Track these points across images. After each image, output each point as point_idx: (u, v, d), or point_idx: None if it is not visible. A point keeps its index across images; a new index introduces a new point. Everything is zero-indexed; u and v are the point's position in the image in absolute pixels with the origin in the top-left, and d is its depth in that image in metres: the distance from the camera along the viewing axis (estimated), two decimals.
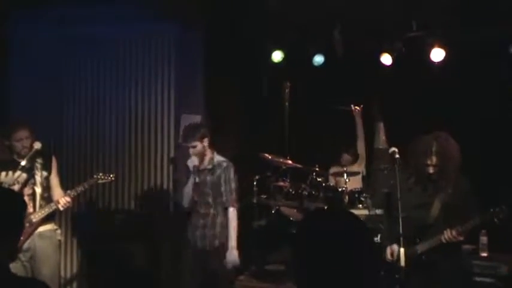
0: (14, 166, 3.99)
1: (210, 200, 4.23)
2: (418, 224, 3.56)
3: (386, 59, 6.08)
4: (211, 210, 4.23)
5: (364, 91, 6.31)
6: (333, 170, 5.98)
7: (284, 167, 5.66)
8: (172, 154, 5.46)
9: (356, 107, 6.16)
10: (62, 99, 5.64)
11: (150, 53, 5.50)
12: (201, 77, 5.60)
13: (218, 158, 4.32)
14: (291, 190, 5.61)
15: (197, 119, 5.41)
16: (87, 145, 5.60)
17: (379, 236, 4.72)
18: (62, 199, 4.01)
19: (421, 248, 3.55)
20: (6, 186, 3.91)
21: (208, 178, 4.25)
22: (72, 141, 5.63)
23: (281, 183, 5.69)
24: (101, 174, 4.20)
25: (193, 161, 4.21)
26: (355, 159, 6.02)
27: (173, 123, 5.45)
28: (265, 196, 5.68)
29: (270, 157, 5.55)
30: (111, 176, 4.16)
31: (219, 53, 5.74)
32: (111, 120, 5.57)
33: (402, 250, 3.33)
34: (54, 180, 4.15)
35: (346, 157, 6.00)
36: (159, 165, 5.48)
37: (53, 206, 4.03)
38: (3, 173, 4.03)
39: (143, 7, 5.25)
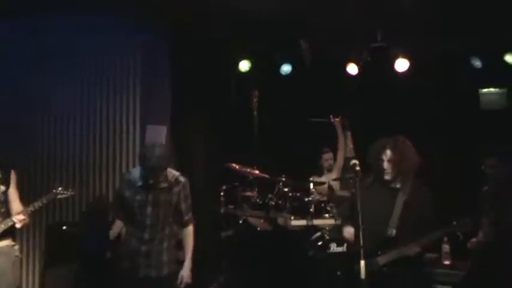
0: None
1: (160, 223, 3.74)
2: (378, 233, 3.59)
3: (352, 69, 6.15)
4: (158, 235, 3.72)
5: (332, 100, 6.36)
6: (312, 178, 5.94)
7: (251, 177, 5.65)
8: (137, 164, 5.40)
9: (336, 118, 6.16)
10: (24, 110, 5.53)
11: (117, 63, 5.45)
12: (168, 88, 5.57)
13: (173, 172, 3.83)
14: (258, 200, 5.60)
15: (163, 130, 5.37)
16: (50, 156, 5.50)
17: (345, 245, 4.76)
18: (16, 217, 3.90)
19: (382, 260, 3.58)
20: None
21: (163, 197, 3.74)
22: (35, 153, 5.52)
23: (248, 193, 5.69)
24: (60, 188, 4.07)
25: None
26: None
27: (139, 134, 5.40)
28: (232, 206, 5.66)
29: (237, 167, 5.53)
30: (71, 191, 4.04)
31: (186, 63, 5.72)
32: (75, 130, 5.49)
33: (363, 263, 3.35)
34: (13, 194, 4.01)
35: (327, 156, 6.02)
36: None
37: (9, 222, 3.89)
38: None
39: (110, 19, 5.19)
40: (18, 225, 3.91)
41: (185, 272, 3.81)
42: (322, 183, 5.77)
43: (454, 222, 3.48)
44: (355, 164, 3.62)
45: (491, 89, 6.10)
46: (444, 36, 5.67)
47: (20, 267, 4.29)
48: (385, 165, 3.60)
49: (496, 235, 4.34)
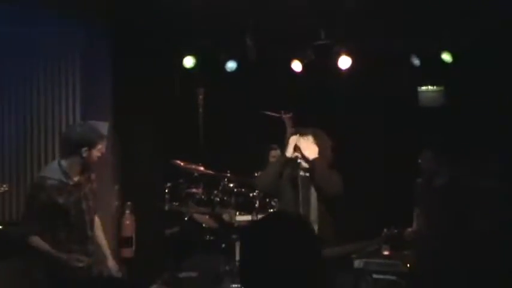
0: None
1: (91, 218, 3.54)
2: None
3: (296, 66, 6.23)
4: (90, 233, 3.53)
5: (277, 97, 6.41)
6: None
7: (196, 174, 5.61)
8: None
9: (286, 114, 6.17)
10: None
11: (54, 56, 5.26)
12: (109, 83, 5.44)
13: None
14: (203, 197, 5.58)
15: (104, 125, 5.24)
16: None
17: None
18: None
19: (326, 252, 3.63)
20: None
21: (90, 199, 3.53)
22: None
23: (193, 190, 5.64)
24: None
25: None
26: None
27: None
28: (177, 203, 5.60)
29: (182, 164, 5.48)
30: (4, 186, 3.86)
31: (128, 58, 5.61)
32: (10, 126, 5.26)
33: None
34: None
35: (274, 152, 6.05)
36: None
37: None
38: None
39: (48, 8, 5.01)
40: None
41: (114, 267, 3.66)
42: None
43: (384, 231, 3.61)
44: (297, 157, 3.69)
45: (429, 87, 6.33)
46: (386, 34, 5.84)
47: None
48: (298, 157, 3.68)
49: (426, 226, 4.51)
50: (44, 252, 3.33)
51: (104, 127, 5.28)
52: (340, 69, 6.07)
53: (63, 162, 3.44)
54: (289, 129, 6.21)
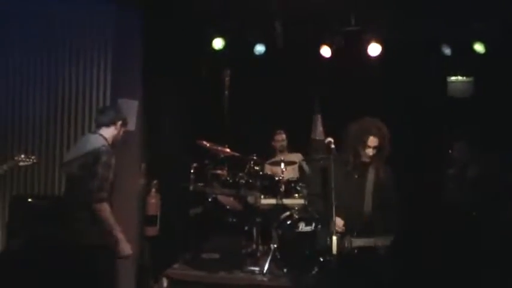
0: None
1: None
2: (354, 213, 3.65)
3: (325, 52, 6.19)
4: None
5: (303, 82, 6.39)
6: (270, 159, 6.02)
7: (222, 155, 5.64)
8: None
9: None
10: None
11: (86, 33, 5.28)
12: (139, 62, 5.45)
13: None
14: (228, 178, 5.61)
15: (134, 103, 5.27)
16: (15, 127, 5.32)
17: (313, 224, 4.83)
18: None
19: (356, 242, 3.64)
20: None
21: None
22: (7, 127, 5.33)
23: (218, 172, 5.68)
24: (22, 156, 3.87)
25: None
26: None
27: None
28: (202, 184, 5.64)
29: (208, 145, 5.50)
30: (33, 158, 3.84)
31: (158, 37, 5.61)
32: (43, 101, 5.32)
33: (335, 238, 3.41)
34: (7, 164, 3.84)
35: (278, 139, 6.08)
36: None
37: None
38: None
39: None
40: None
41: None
42: (293, 162, 5.81)
43: None
44: (330, 142, 3.68)
45: (459, 77, 6.26)
46: (417, 22, 5.77)
47: None
48: (369, 150, 3.65)
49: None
50: (107, 222, 3.46)
51: (133, 105, 5.32)
52: (369, 56, 6.02)
53: (104, 134, 3.67)
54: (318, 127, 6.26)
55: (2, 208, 5.22)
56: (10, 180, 5.14)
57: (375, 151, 3.68)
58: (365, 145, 3.67)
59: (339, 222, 3.67)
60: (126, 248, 3.56)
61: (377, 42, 5.99)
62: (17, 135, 5.29)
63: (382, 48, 5.99)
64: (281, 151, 6.10)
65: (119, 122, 3.83)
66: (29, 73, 5.33)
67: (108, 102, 5.25)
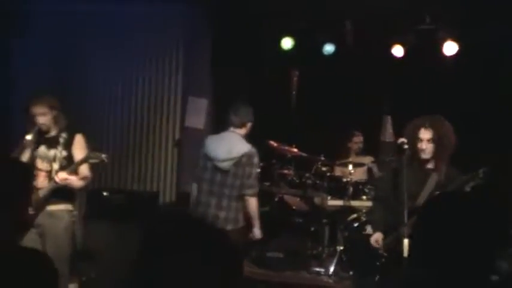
0: (45, 141, 3.98)
1: None
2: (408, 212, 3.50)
3: (398, 51, 6.02)
4: None
5: (373, 82, 6.25)
6: (339, 160, 5.93)
7: (289, 155, 5.62)
8: (177, 136, 5.43)
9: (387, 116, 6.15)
10: (66, 75, 5.58)
11: (159, 34, 5.45)
12: (209, 61, 5.55)
13: None
14: (295, 179, 5.58)
15: (203, 102, 5.37)
16: (91, 124, 5.55)
17: (370, 226, 4.71)
18: (58, 174, 3.90)
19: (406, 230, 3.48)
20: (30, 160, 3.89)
21: None
22: (77, 119, 5.57)
23: (285, 171, 5.66)
24: (92, 153, 3.98)
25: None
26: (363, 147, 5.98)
27: (180, 105, 5.41)
28: (268, 183, 5.64)
29: (275, 145, 5.50)
30: (103, 156, 3.95)
31: (227, 37, 5.68)
32: (117, 100, 5.54)
33: (406, 241, 3.29)
34: (78, 158, 4.00)
35: (356, 141, 5.95)
36: (163, 147, 5.45)
37: (53, 183, 3.88)
38: (28, 146, 3.99)
39: None
40: (58, 181, 3.87)
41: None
42: (362, 164, 5.70)
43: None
44: (403, 143, 3.55)
45: None
46: (495, 21, 5.49)
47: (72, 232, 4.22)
48: (423, 144, 3.50)
49: None
50: (255, 211, 4.15)
51: (202, 104, 5.42)
52: (444, 56, 5.79)
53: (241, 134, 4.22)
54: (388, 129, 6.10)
55: (81, 202, 5.47)
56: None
57: (430, 146, 3.48)
58: (417, 138, 3.50)
59: (378, 236, 3.57)
60: (258, 233, 4.23)
61: (453, 40, 5.75)
62: (98, 134, 5.53)
63: (459, 47, 5.74)
64: (357, 153, 5.98)
65: (249, 124, 4.28)
66: (104, 73, 5.56)
67: (179, 100, 5.39)
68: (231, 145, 4.15)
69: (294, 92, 6.65)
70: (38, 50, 5.51)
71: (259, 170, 4.27)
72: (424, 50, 5.89)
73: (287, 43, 6.26)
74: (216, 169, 4.14)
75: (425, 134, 3.50)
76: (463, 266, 1.44)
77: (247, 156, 4.13)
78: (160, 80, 5.46)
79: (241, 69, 6.14)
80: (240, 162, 4.10)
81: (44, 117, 3.93)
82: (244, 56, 6.09)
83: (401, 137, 3.62)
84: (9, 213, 1.87)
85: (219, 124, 5.77)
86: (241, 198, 4.13)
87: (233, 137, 4.20)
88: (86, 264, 4.89)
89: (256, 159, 4.18)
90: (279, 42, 6.31)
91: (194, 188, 4.31)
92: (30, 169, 2.20)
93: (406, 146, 3.49)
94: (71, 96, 5.48)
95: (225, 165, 4.11)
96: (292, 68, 6.61)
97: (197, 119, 5.38)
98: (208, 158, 4.18)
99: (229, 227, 4.06)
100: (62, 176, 3.82)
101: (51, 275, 1.85)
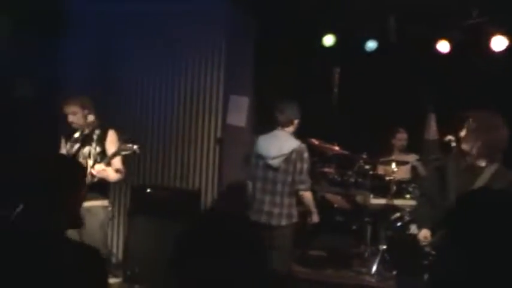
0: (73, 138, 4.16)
1: None
2: None
3: (443, 47, 5.87)
4: None
5: (417, 79, 6.13)
6: (382, 158, 5.84)
7: (331, 154, 5.58)
8: (219, 134, 5.47)
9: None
10: (110, 74, 5.70)
11: (201, 31, 5.48)
12: (251, 59, 5.56)
13: None
14: (336, 177, 5.54)
15: (245, 100, 5.39)
16: (134, 123, 5.65)
17: (413, 226, 4.61)
18: (95, 167, 3.98)
19: None
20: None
21: None
22: (121, 118, 5.69)
23: (326, 170, 5.63)
24: (123, 146, 4.05)
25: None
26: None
27: (221, 103, 5.44)
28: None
29: (317, 142, 5.47)
30: (135, 147, 4.01)
31: (269, 34, 5.68)
32: (161, 98, 5.61)
33: None
34: (111, 152, 4.11)
35: (399, 138, 5.83)
36: (205, 146, 5.50)
37: (89, 178, 3.94)
38: (66, 144, 4.16)
39: None
40: (96, 173, 3.97)
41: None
42: (405, 162, 5.59)
43: None
44: (450, 140, 3.45)
45: None
46: None
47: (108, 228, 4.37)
48: (466, 136, 3.32)
49: None
50: (310, 203, 4.40)
51: (244, 102, 5.44)
52: (492, 51, 5.61)
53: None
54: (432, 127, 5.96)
55: (124, 198, 5.60)
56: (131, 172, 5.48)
57: (472, 135, 3.28)
58: (462, 132, 3.33)
59: (426, 233, 3.46)
60: (316, 217, 4.46)
61: (502, 35, 5.55)
62: (138, 133, 5.62)
63: (508, 42, 5.55)
64: (400, 150, 5.87)
65: (296, 121, 4.39)
66: (146, 71, 5.63)
67: (221, 98, 5.42)
68: (281, 143, 4.29)
69: (335, 90, 6.59)
70: (82, 50, 5.65)
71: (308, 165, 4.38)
72: (471, 45, 5.72)
73: (328, 40, 6.21)
74: (268, 167, 4.28)
75: (468, 125, 3.32)
76: (497, 266, 1.36)
77: (297, 152, 4.27)
78: (202, 79, 5.50)
79: (283, 67, 6.12)
80: (290, 158, 4.24)
81: (74, 116, 4.08)
82: (286, 54, 6.07)
83: (447, 134, 3.51)
84: (67, 207, 1.92)
85: (260, 122, 5.79)
86: (294, 193, 4.30)
87: (282, 135, 4.36)
88: (130, 259, 5.00)
89: (306, 155, 4.32)
90: (320, 39, 6.27)
91: (249, 186, 4.43)
92: (85, 167, 2.26)
93: (453, 144, 3.39)
94: (114, 95, 5.63)
95: (275, 162, 4.25)
96: (334, 65, 6.55)
97: (239, 117, 5.39)
98: (260, 157, 4.33)
99: (283, 223, 4.24)
100: (98, 168, 3.94)
101: (103, 271, 1.90)
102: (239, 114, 5.45)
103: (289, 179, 4.24)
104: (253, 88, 5.66)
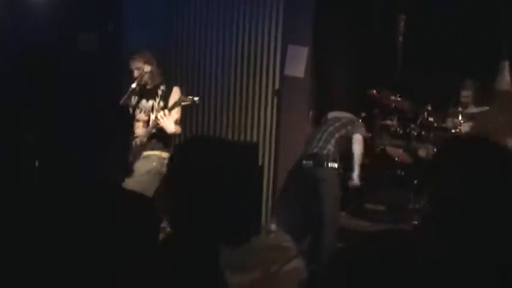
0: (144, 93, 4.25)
1: None
2: None
3: None
4: None
5: (489, 24, 5.70)
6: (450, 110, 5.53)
7: (393, 105, 5.37)
8: (277, 85, 5.38)
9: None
10: (169, 24, 5.69)
11: None
12: (310, 7, 5.36)
13: None
14: (398, 129, 5.35)
15: (304, 50, 5.23)
16: (192, 74, 5.66)
17: None
18: (158, 114, 4.04)
19: None
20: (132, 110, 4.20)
21: None
22: (181, 70, 5.72)
23: (388, 122, 5.43)
24: (184, 96, 4.13)
25: None
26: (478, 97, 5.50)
27: (279, 53, 5.32)
28: (370, 135, 5.45)
29: (379, 94, 5.28)
30: (196, 98, 4.05)
31: None
32: (218, 50, 5.56)
33: None
34: (173, 110, 4.19)
35: (465, 93, 5.50)
36: (263, 96, 5.44)
37: (152, 128, 4.11)
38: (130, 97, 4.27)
39: None
40: (160, 118, 4.03)
41: None
42: (473, 115, 5.30)
43: None
44: None
45: None
46: None
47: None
48: None
49: None
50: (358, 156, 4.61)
51: (303, 52, 5.29)
52: None
53: None
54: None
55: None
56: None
57: None
58: None
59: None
60: (357, 179, 4.62)
61: None
62: (198, 83, 5.64)
63: None
64: (469, 103, 5.52)
65: None
66: (203, 23, 5.58)
67: (279, 48, 5.30)
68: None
69: (400, 38, 6.27)
70: (144, 5, 5.68)
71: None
72: None
73: None
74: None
75: None
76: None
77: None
78: (260, 29, 5.37)
79: (344, 16, 5.87)
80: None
81: (139, 71, 4.13)
82: (347, 1, 5.81)
83: None
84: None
85: (320, 72, 5.64)
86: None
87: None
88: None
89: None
90: None
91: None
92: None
93: None
94: (173, 48, 5.65)
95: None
96: (399, 12, 6.21)
97: (297, 67, 5.26)
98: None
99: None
100: (161, 114, 4.00)
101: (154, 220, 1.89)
102: (298, 64, 5.32)
103: (343, 130, 4.75)
104: (313, 38, 5.47)
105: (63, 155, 4.97)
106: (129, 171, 4.12)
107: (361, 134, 4.67)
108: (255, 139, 5.45)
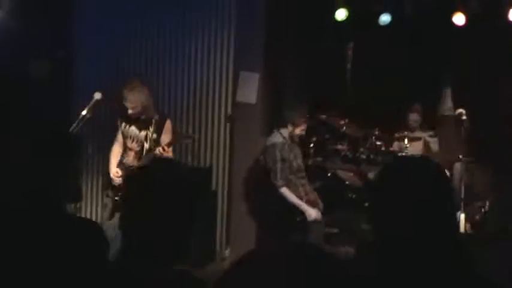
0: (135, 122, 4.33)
1: None
2: None
3: (459, 19, 5.70)
4: None
5: (432, 53, 5.99)
6: (396, 134, 5.74)
7: (343, 130, 5.51)
8: (229, 111, 5.43)
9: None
10: (122, 53, 5.68)
11: (210, 7, 5.41)
12: (261, 34, 5.47)
13: None
14: (348, 154, 5.48)
15: (255, 76, 5.32)
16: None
17: None
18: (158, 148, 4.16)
19: None
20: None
21: None
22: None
23: (339, 146, 5.57)
24: (183, 134, 4.32)
25: None
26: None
27: (231, 80, 5.39)
28: (321, 159, 5.57)
29: (328, 120, 5.42)
30: (195, 135, 4.22)
31: (280, 9, 5.57)
32: (170, 75, 5.58)
33: (462, 216, 3.17)
34: (165, 141, 4.25)
35: (413, 117, 5.71)
36: (216, 122, 5.47)
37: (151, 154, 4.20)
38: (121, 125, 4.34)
39: None
40: (160, 152, 4.12)
41: None
42: (418, 138, 5.51)
43: None
44: (461, 114, 3.39)
45: None
46: None
47: None
48: None
49: None
50: (291, 200, 4.59)
51: (254, 78, 5.37)
52: (511, 23, 5.44)
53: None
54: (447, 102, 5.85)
55: None
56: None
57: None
58: None
59: None
60: (312, 214, 4.63)
61: None
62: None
63: None
64: (414, 127, 5.74)
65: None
66: (155, 52, 5.60)
67: (230, 75, 5.37)
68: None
69: (348, 65, 6.49)
70: (99, 29, 5.64)
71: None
72: (488, 17, 5.56)
73: (341, 14, 6.07)
74: None
75: None
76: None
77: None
78: (212, 54, 5.44)
79: (294, 43, 6.02)
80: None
81: (135, 110, 4.17)
82: (297, 29, 5.97)
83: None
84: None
85: (271, 99, 5.73)
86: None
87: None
88: None
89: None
90: (333, 13, 6.13)
91: None
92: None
93: (464, 117, 3.33)
94: (126, 76, 5.60)
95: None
96: (347, 40, 6.43)
97: (249, 93, 5.34)
98: None
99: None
100: (160, 150, 4.13)
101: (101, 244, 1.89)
102: (250, 91, 5.40)
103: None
104: (264, 64, 5.57)
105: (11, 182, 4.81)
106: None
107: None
108: (208, 164, 5.46)
